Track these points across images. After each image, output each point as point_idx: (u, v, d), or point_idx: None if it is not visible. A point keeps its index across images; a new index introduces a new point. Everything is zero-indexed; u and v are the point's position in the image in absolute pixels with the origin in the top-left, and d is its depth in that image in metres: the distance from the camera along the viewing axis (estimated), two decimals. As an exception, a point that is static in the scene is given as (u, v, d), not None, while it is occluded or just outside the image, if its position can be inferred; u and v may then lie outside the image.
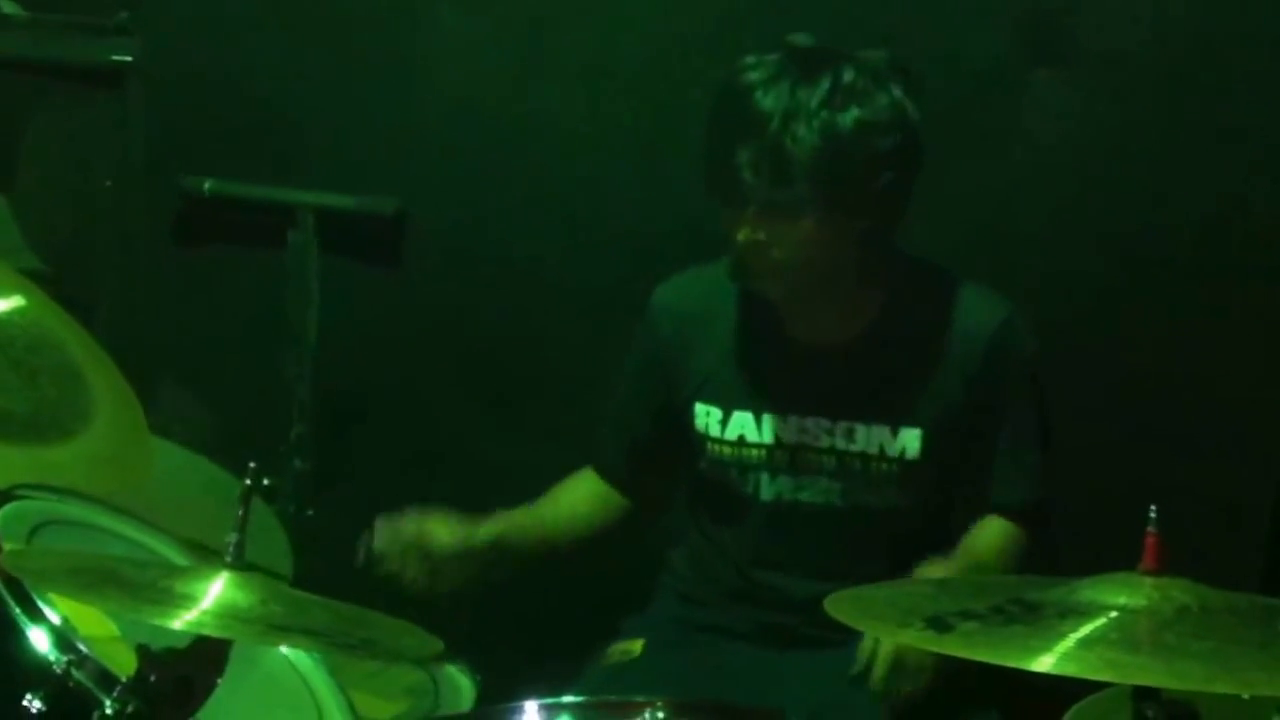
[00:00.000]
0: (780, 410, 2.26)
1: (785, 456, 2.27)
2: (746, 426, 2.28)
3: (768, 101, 2.13)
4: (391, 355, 2.94)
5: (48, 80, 3.04)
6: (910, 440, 2.25)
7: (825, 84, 2.13)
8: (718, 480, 2.31)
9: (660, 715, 1.72)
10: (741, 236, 2.18)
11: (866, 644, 2.15)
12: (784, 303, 2.26)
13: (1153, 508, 1.54)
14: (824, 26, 2.37)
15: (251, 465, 1.65)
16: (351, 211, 2.91)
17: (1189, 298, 2.72)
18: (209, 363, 2.97)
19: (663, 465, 2.41)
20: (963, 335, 2.26)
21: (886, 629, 1.58)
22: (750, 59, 2.18)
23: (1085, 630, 1.47)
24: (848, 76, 2.14)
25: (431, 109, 2.90)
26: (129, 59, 2.97)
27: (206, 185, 2.93)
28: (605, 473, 2.44)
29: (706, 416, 2.29)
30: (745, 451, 2.28)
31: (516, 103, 2.88)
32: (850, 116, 2.12)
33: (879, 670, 2.12)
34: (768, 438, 2.27)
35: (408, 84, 2.90)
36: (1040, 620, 1.51)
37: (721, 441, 2.28)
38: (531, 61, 2.87)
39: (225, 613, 1.56)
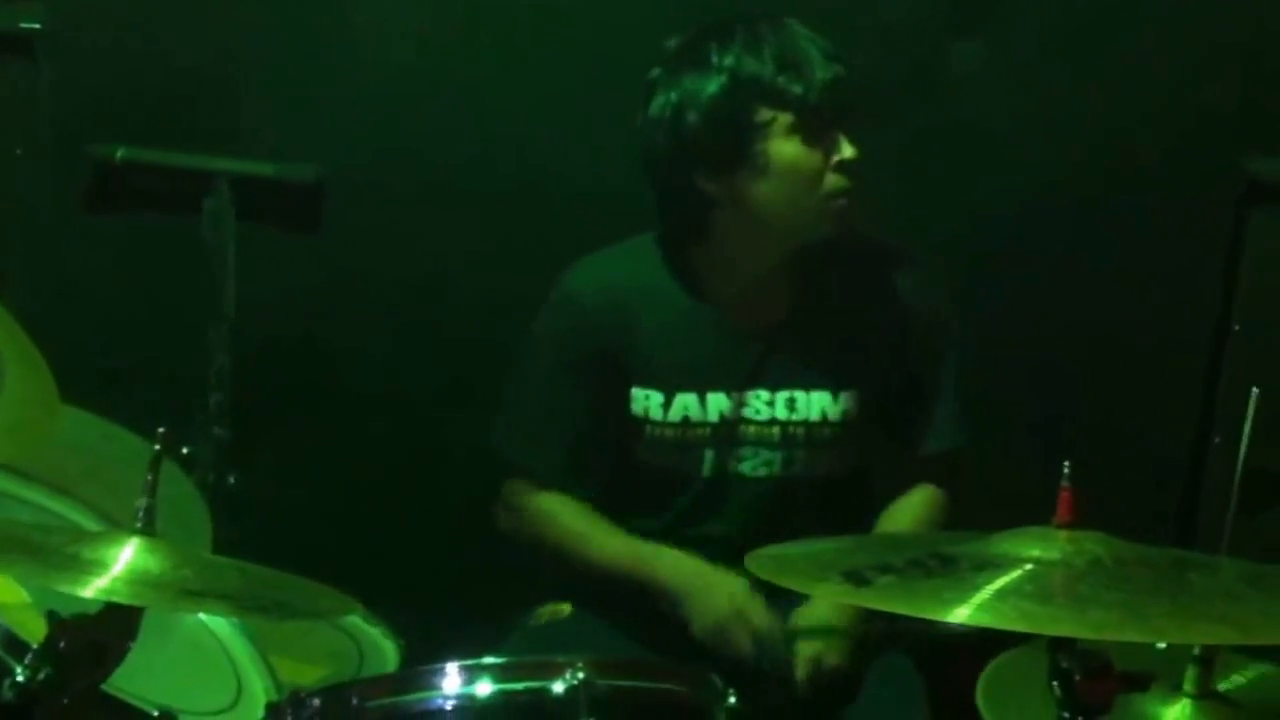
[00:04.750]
0: (723, 387, 2.26)
1: (728, 431, 2.27)
2: (690, 407, 2.26)
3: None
4: (310, 323, 2.92)
5: (-45, 48, 2.98)
6: (849, 402, 2.27)
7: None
8: (656, 461, 2.28)
9: (581, 675, 1.71)
10: None
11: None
12: (703, 284, 2.27)
13: (1066, 463, 1.57)
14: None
15: (160, 430, 1.63)
16: (270, 178, 2.88)
17: (1103, 248, 2.77)
18: (125, 332, 2.93)
19: (598, 454, 2.33)
20: (886, 297, 2.29)
21: (805, 583, 1.59)
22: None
23: (1000, 582, 1.49)
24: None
25: (349, 74, 2.87)
26: (37, 25, 2.92)
27: (119, 153, 2.89)
28: (546, 482, 2.32)
29: (646, 400, 2.26)
30: (689, 432, 2.26)
31: (437, 68, 2.86)
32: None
33: (801, 677, 2.17)
34: (713, 416, 2.26)
35: (325, 48, 2.87)
36: (956, 573, 1.53)
37: (664, 424, 2.26)
38: (453, 26, 2.85)
39: (136, 578, 1.54)
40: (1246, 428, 1.80)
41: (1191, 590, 1.52)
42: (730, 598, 2.16)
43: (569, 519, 2.30)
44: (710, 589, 2.18)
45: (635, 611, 2.26)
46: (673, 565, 2.21)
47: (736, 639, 2.15)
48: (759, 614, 2.16)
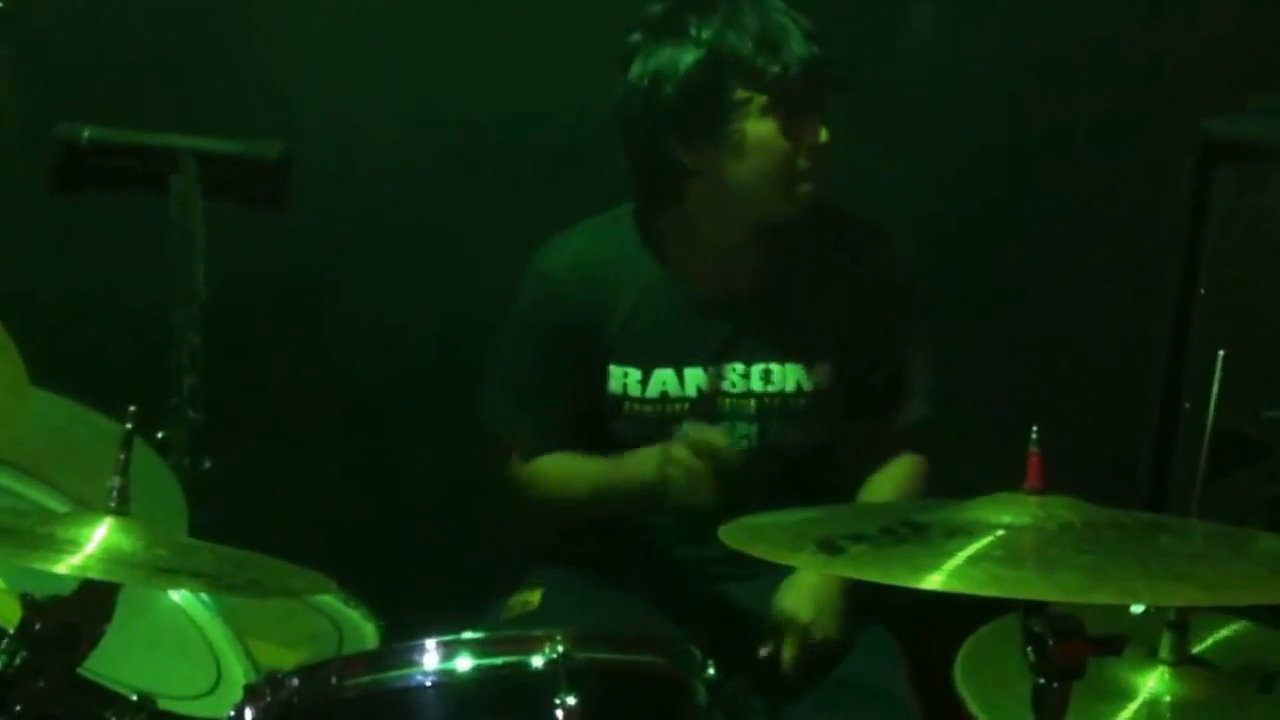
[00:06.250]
0: (699, 362, 2.27)
1: (706, 405, 2.27)
2: (669, 382, 2.27)
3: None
4: (280, 300, 2.91)
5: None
6: (823, 374, 2.28)
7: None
8: (634, 436, 2.28)
9: (560, 648, 1.71)
10: None
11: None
12: (675, 255, 2.27)
13: (1034, 428, 1.57)
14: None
15: (131, 409, 1.63)
16: (236, 156, 2.86)
17: (1062, 213, 2.79)
18: (94, 314, 2.92)
19: (578, 428, 2.34)
20: (854, 269, 2.30)
21: (778, 553, 1.59)
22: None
23: (972, 548, 1.49)
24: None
25: (315, 50, 2.86)
26: (0, 4, 2.90)
27: (86, 133, 2.87)
28: (528, 455, 2.36)
29: (624, 378, 2.27)
30: (668, 407, 2.27)
31: (402, 43, 2.85)
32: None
33: (789, 655, 2.16)
34: (690, 391, 2.27)
35: (290, 24, 2.86)
36: (928, 540, 1.53)
37: (643, 400, 2.27)
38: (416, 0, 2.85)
39: (109, 557, 1.54)
40: (1214, 390, 1.81)
41: (1162, 552, 1.53)
42: (662, 449, 2.15)
43: (554, 469, 2.33)
44: (655, 452, 2.17)
45: (605, 594, 2.28)
46: (636, 456, 2.22)
47: (673, 475, 2.13)
48: (679, 448, 2.13)
